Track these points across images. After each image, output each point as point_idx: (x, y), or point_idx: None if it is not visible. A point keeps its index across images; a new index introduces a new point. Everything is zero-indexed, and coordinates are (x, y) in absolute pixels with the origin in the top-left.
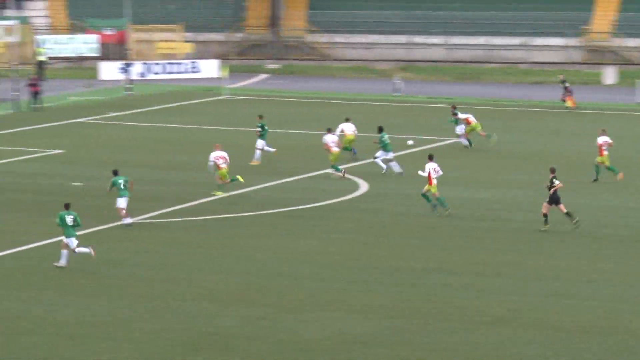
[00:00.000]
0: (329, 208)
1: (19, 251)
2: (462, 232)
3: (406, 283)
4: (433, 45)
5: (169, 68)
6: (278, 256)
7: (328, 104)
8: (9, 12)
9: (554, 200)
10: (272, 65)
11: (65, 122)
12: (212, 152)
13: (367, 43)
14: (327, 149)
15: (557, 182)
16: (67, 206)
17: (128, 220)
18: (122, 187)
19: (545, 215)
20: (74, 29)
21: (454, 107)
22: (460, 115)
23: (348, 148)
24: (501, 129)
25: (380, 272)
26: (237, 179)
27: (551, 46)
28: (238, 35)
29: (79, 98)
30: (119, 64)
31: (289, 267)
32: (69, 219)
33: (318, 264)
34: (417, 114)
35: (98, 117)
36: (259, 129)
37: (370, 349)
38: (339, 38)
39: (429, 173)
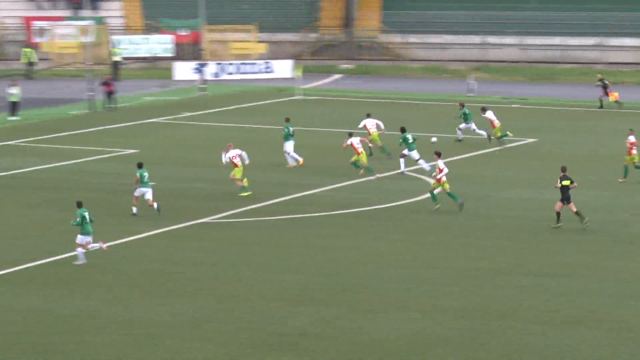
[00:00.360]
0: (399, 209)
1: (92, 251)
2: (529, 232)
3: (476, 284)
4: (507, 45)
5: (242, 68)
6: (348, 256)
7: (401, 105)
8: (84, 13)
9: (566, 198)
10: (345, 65)
11: (139, 122)
12: (227, 152)
13: (440, 43)
14: (354, 149)
15: (562, 181)
16: (79, 204)
17: (155, 206)
18: (144, 179)
19: (557, 213)
20: (148, 29)
21: (462, 105)
22: (488, 115)
23: (385, 149)
24: (571, 129)
25: (449, 273)
26: (246, 188)
27: (626, 46)
28: (312, 36)
29: (153, 98)
30: (193, 64)
31: (359, 267)
32: (87, 216)
33: (388, 265)
34: None
35: (172, 117)
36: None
37: (445, 350)
38: (412, 38)
39: (440, 170)
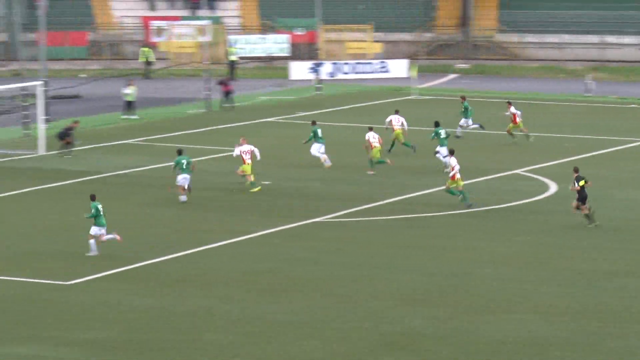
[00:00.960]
0: (515, 209)
1: (207, 249)
2: None
3: (593, 285)
4: (626, 45)
5: (358, 68)
6: (463, 256)
7: (518, 105)
8: (202, 13)
9: (582, 198)
10: (461, 65)
11: (255, 121)
12: (240, 145)
13: (558, 43)
14: (368, 146)
15: (577, 182)
16: (93, 197)
17: (183, 198)
18: (184, 166)
19: (580, 210)
20: (265, 28)
21: (464, 98)
22: (512, 110)
23: (407, 144)
24: None
25: (566, 274)
26: (254, 184)
27: None
28: (427, 35)
29: (269, 98)
30: (309, 63)
31: (473, 267)
32: (101, 209)
33: (502, 265)
34: (607, 115)
35: (288, 116)
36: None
37: (562, 352)
38: (529, 38)
39: (452, 168)
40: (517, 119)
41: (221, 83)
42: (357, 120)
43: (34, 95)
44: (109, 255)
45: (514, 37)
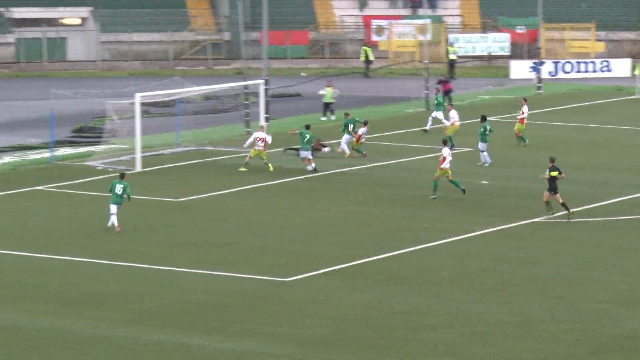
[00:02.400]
0: None
1: (425, 248)
2: None
3: None
4: None
5: (579, 67)
6: None
7: None
8: (422, 12)
9: (552, 188)
10: None
11: (473, 120)
12: (257, 131)
13: None
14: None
15: (550, 172)
16: (122, 176)
17: (309, 168)
18: (306, 140)
19: (546, 202)
20: (486, 27)
21: (438, 91)
22: (525, 109)
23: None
24: None
25: None
26: (268, 166)
27: None
28: None
29: (489, 97)
30: (529, 62)
31: None
32: (118, 188)
33: None
34: None
35: (507, 115)
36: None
37: None
38: None
39: (444, 158)
40: (525, 121)
41: (441, 82)
42: (578, 119)
43: (255, 94)
44: (327, 253)
45: None
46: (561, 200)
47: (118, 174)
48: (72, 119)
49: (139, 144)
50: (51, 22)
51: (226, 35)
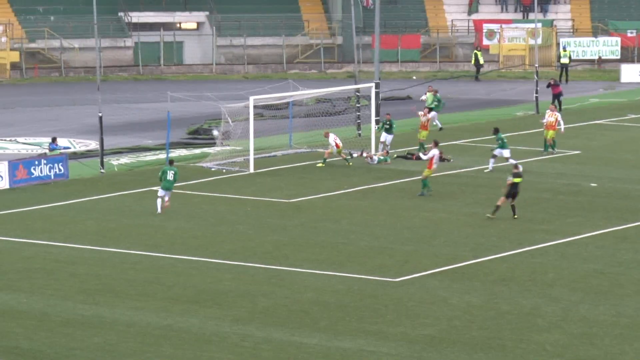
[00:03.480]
0: None
1: (534, 249)
2: None
3: None
4: None
5: None
6: None
7: None
8: (532, 16)
9: (512, 194)
10: None
11: (583, 123)
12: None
13: None
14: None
15: (514, 178)
16: (171, 162)
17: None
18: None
19: (497, 207)
20: (596, 31)
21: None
22: (549, 114)
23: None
24: None
25: None
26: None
27: None
28: None
29: (598, 100)
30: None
31: None
32: (169, 174)
33: None
34: None
35: (617, 119)
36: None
37: None
38: None
39: (432, 158)
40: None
41: (551, 85)
42: None
43: (367, 97)
44: (435, 254)
45: None
46: (513, 203)
47: (168, 160)
48: (187, 121)
49: (252, 146)
50: (168, 27)
51: (339, 40)
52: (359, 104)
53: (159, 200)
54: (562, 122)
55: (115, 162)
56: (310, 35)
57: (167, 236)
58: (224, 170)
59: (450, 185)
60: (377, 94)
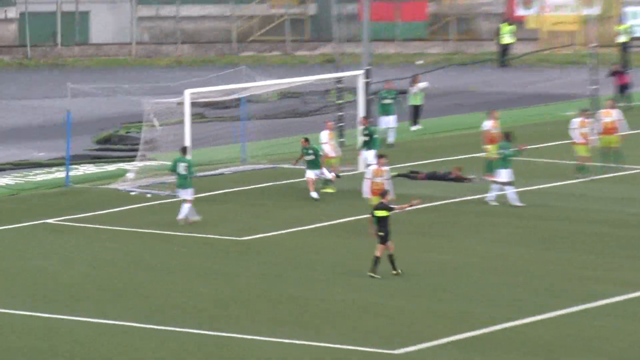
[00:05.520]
0: None
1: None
2: None
3: None
4: None
5: None
6: None
7: None
8: None
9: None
10: None
11: None
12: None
13: None
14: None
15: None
16: (184, 151)
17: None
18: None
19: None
20: None
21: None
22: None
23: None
24: None
25: None
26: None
27: None
28: None
29: None
30: None
31: None
32: (181, 167)
33: None
34: None
35: None
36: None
37: None
38: None
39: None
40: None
41: (614, 73)
42: None
43: (352, 90)
44: (452, 313)
45: None
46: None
47: (179, 149)
48: (95, 125)
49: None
50: None
51: (311, 9)
52: (341, 99)
53: (184, 207)
54: (625, 125)
55: None
56: (271, 3)
57: (64, 287)
58: (149, 195)
59: (465, 215)
60: (366, 85)
